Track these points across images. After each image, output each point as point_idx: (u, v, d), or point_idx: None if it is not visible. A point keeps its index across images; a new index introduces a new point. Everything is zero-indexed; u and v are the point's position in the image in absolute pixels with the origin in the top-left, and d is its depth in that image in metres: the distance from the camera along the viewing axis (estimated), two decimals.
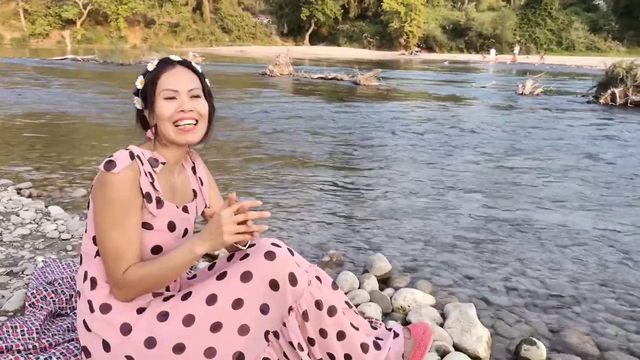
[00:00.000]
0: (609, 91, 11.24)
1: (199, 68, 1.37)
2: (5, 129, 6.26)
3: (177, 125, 1.29)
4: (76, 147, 5.37)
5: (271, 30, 60.48)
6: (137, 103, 1.34)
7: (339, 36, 58.91)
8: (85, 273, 1.31)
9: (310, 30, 58.94)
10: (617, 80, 11.22)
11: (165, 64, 1.32)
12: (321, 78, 16.43)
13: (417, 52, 49.86)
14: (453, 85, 16.28)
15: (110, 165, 1.19)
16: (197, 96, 1.33)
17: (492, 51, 43.29)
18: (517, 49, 42.20)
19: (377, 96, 12.12)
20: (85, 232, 1.33)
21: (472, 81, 18.44)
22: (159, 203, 1.30)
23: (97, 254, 1.28)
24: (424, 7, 53.52)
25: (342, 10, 58.22)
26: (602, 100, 11.30)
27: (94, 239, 1.28)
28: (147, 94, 1.29)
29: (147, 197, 1.26)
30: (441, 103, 11.13)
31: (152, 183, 1.27)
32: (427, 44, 54.62)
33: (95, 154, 5.03)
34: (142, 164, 1.25)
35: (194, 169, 1.51)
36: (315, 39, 59.36)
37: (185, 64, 1.34)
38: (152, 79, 1.29)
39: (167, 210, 1.33)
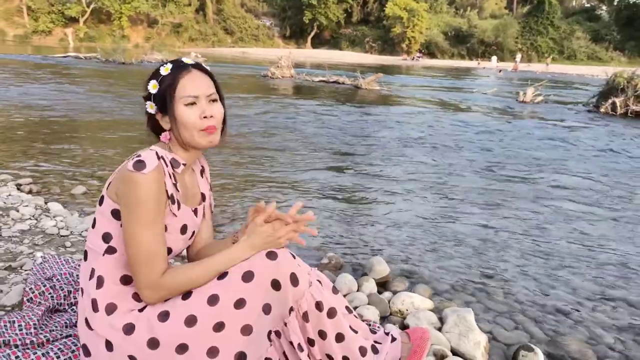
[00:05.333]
0: (610, 101, 11.27)
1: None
2: (6, 124, 6.25)
3: (201, 130, 1.29)
4: (76, 144, 5.37)
5: (274, 33, 60.61)
6: (150, 108, 1.31)
7: (341, 40, 59.05)
8: (92, 270, 1.29)
9: (313, 33, 59.08)
10: (618, 90, 11.25)
11: (181, 68, 1.30)
12: (322, 81, 16.45)
13: (418, 57, 49.96)
14: (454, 92, 16.31)
15: (141, 165, 1.18)
16: (215, 100, 1.33)
17: (494, 58, 43.37)
18: (518, 57, 42.30)
19: (379, 100, 12.14)
20: (93, 227, 1.30)
21: (473, 88, 18.47)
22: (179, 205, 1.31)
23: (106, 251, 1.27)
24: (427, 13, 53.65)
25: (345, 15, 58.42)
26: (602, 110, 11.33)
27: (104, 236, 1.27)
28: (165, 100, 1.28)
29: (171, 198, 1.26)
30: (442, 109, 11.15)
31: (175, 184, 1.28)
32: (429, 49, 54.74)
33: (95, 151, 5.03)
34: (166, 165, 1.25)
35: (202, 172, 1.51)
36: (317, 42, 59.51)
37: (199, 67, 1.33)
38: (169, 84, 1.27)
39: (183, 212, 1.34)
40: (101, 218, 1.28)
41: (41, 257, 2.14)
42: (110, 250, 1.27)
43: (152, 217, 1.20)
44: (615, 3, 57.15)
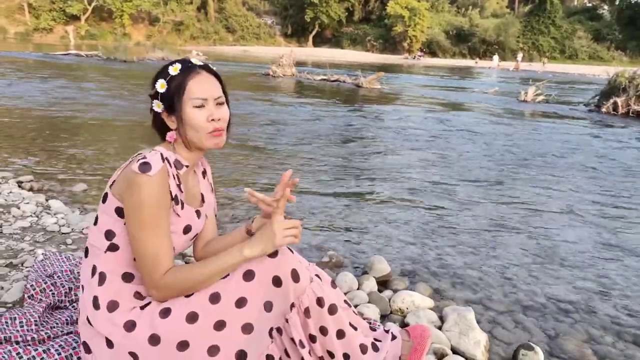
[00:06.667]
0: (611, 100, 11.26)
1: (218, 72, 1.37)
2: (7, 121, 6.26)
3: (208, 132, 1.29)
4: (77, 141, 5.37)
5: (275, 31, 60.62)
6: (157, 106, 1.31)
7: (343, 39, 59.01)
8: (94, 267, 1.29)
9: (314, 32, 59.06)
10: (620, 90, 11.24)
11: (190, 69, 1.30)
12: (324, 80, 16.43)
13: (420, 56, 49.90)
14: (455, 91, 16.29)
15: (146, 167, 1.18)
16: (222, 103, 1.33)
17: (495, 57, 43.32)
18: (520, 56, 42.23)
19: (380, 99, 12.13)
20: (95, 224, 1.31)
21: (474, 87, 18.45)
22: (183, 205, 1.32)
23: (108, 248, 1.27)
24: (428, 11, 53.63)
25: (347, 13, 58.43)
26: (604, 110, 11.32)
27: (107, 233, 1.27)
28: (173, 100, 1.28)
29: (175, 199, 1.27)
30: (443, 108, 11.14)
31: (178, 185, 1.28)
32: (431, 48, 54.72)
33: (96, 149, 5.03)
34: (170, 166, 1.25)
35: (204, 174, 1.51)
36: (318, 41, 59.48)
37: (208, 68, 1.33)
38: (178, 85, 1.27)
39: (186, 212, 1.34)
40: (104, 216, 1.28)
41: (42, 254, 2.14)
42: (113, 248, 1.27)
43: (155, 219, 1.21)
44: (617, 2, 57.13)
